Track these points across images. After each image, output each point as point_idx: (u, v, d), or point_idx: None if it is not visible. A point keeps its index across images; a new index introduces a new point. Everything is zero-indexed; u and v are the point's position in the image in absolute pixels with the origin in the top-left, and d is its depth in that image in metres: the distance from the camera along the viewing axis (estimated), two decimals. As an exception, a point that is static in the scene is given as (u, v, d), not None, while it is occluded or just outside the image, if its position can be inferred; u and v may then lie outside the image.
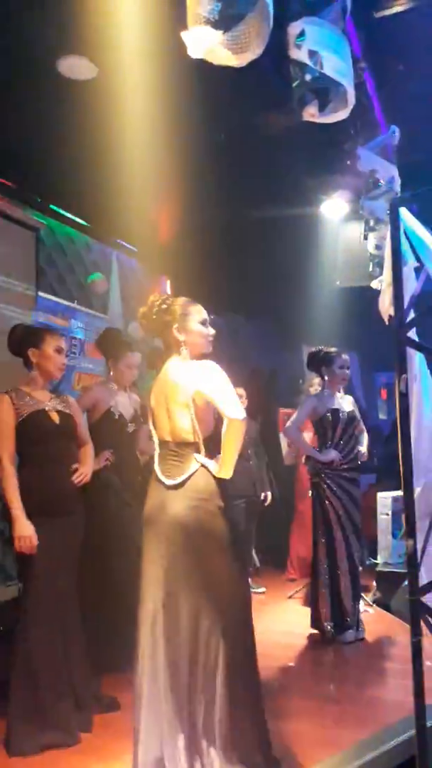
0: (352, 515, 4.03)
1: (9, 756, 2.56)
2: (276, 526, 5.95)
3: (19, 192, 4.31)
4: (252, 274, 5.74)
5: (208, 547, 2.25)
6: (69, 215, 4.81)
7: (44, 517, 2.71)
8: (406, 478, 1.72)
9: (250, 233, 5.17)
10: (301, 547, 5.57)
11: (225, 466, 2.31)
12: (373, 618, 4.44)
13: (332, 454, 4.00)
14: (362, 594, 4.44)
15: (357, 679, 3.55)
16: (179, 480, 2.30)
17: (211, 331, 2.46)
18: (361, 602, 4.35)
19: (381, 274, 3.25)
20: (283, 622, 4.53)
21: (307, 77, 2.59)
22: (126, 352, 3.69)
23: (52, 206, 4.66)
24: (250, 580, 5.27)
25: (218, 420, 2.37)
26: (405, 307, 1.77)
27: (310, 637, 4.11)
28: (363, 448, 4.16)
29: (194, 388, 2.32)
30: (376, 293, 2.48)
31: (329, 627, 3.98)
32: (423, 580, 1.87)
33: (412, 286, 1.84)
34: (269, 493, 5.31)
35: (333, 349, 4.11)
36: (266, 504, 5.31)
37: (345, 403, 4.11)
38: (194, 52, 2.14)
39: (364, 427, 4.21)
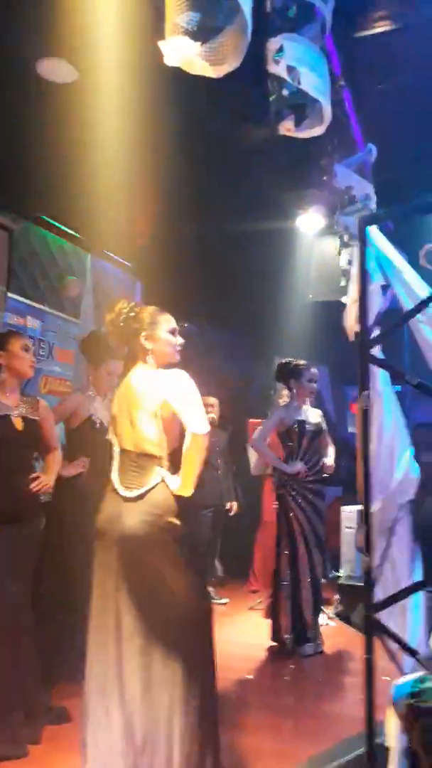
0: (316, 528, 4.04)
1: None
2: (241, 537, 5.94)
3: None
4: (227, 285, 5.75)
5: (162, 564, 2.21)
6: (44, 218, 4.77)
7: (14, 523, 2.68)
8: (364, 495, 1.73)
9: (226, 244, 5.19)
10: (265, 558, 5.56)
11: (185, 484, 2.26)
12: (334, 631, 4.45)
13: (297, 466, 4.01)
14: (324, 607, 4.45)
15: (315, 693, 3.55)
16: (138, 493, 2.24)
17: (180, 340, 2.43)
18: (323, 615, 4.37)
19: (353, 289, 3.29)
20: (243, 633, 4.51)
21: (285, 92, 2.61)
22: (108, 358, 3.65)
23: (26, 208, 4.61)
24: (213, 591, 5.27)
25: (183, 433, 2.33)
26: (369, 324, 1.78)
27: (270, 649, 4.09)
28: (329, 461, 4.17)
29: (161, 397, 2.28)
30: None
31: (289, 639, 3.98)
32: (378, 597, 1.88)
33: (377, 303, 1.85)
34: (235, 504, 5.31)
35: (302, 362, 4.13)
36: (231, 514, 5.30)
37: (312, 415, 4.13)
38: (171, 60, 2.14)
39: (329, 440, 4.23)
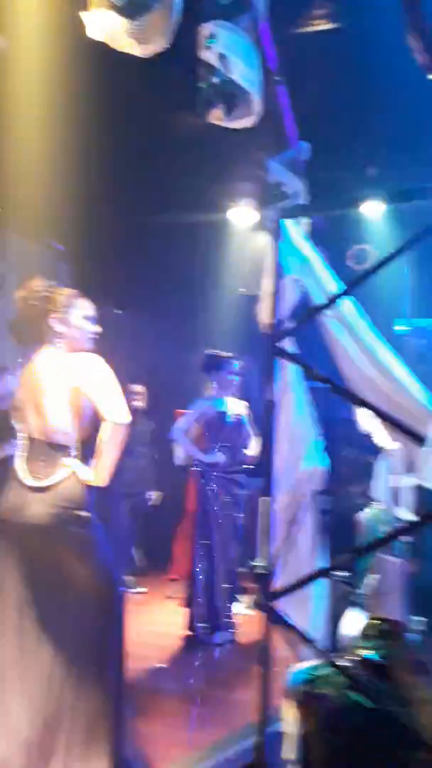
0: (233, 518, 4.08)
1: None
2: (164, 526, 5.93)
3: None
4: (161, 275, 5.70)
5: (71, 558, 2.15)
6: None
7: None
8: (266, 484, 1.75)
9: (160, 233, 5.14)
10: (185, 547, 5.57)
11: (101, 474, 2.20)
12: (249, 620, 4.51)
13: (217, 457, 4.03)
14: (241, 596, 4.50)
15: (225, 681, 3.59)
16: (46, 483, 2.16)
17: (96, 328, 2.35)
18: (239, 604, 4.42)
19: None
20: (159, 622, 4.50)
21: (215, 80, 2.59)
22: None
23: None
24: (131, 580, 5.24)
25: (97, 421, 2.26)
26: (281, 317, 1.80)
27: (185, 638, 4.11)
28: (250, 452, 4.21)
29: (73, 384, 2.19)
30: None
31: (203, 628, 4.00)
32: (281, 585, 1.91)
33: (290, 297, 1.87)
34: (156, 493, 5.29)
35: (226, 354, 4.15)
36: (152, 504, 5.28)
37: (234, 407, 4.16)
38: (94, 33, 2.08)
39: (251, 432, 4.26)
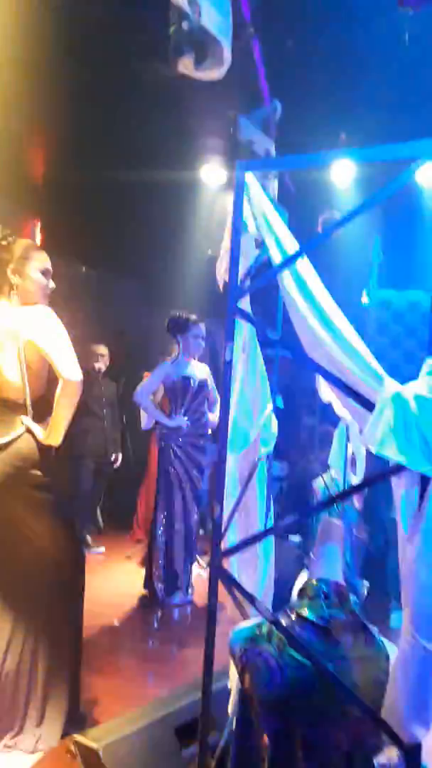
0: (194, 481, 4.09)
1: None
2: (126, 488, 5.94)
3: None
4: (129, 234, 5.57)
5: (24, 516, 2.14)
6: None
7: None
8: (219, 444, 1.73)
9: (128, 190, 5.01)
10: (148, 508, 5.60)
11: (54, 432, 2.15)
12: (206, 582, 4.57)
13: (180, 420, 4.02)
14: (199, 557, 4.55)
15: (179, 640, 3.64)
16: (1, 442, 2.12)
17: (51, 284, 2.27)
18: (197, 566, 4.47)
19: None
20: (117, 582, 4.54)
21: (185, 25, 2.48)
22: None
23: None
24: (90, 539, 5.25)
25: (52, 378, 2.21)
26: (239, 276, 1.76)
27: (142, 598, 4.15)
28: (213, 417, 4.20)
29: (26, 337, 2.12)
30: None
31: (160, 588, 4.04)
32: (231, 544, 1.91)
33: (248, 255, 1.83)
34: (119, 455, 5.28)
35: (192, 317, 4.10)
36: (115, 465, 5.27)
37: (198, 371, 4.13)
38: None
39: (216, 397, 4.24)
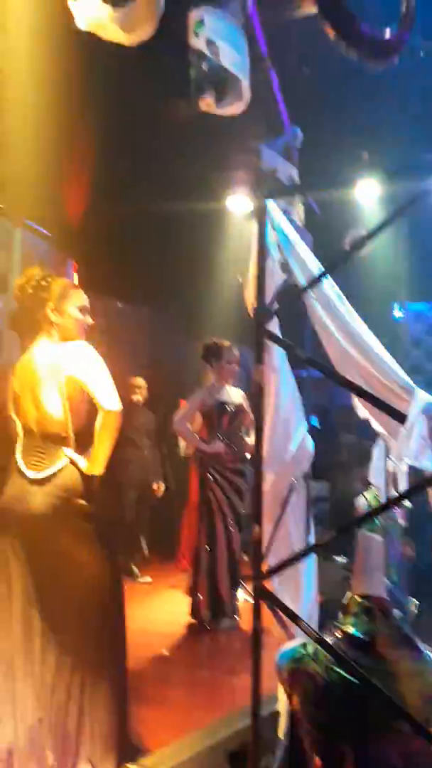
0: (235, 506, 4.10)
1: None
2: (169, 517, 5.97)
3: None
4: (161, 265, 5.71)
5: (69, 546, 2.17)
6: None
7: None
8: (256, 466, 1.76)
9: (159, 223, 5.15)
10: (191, 537, 5.61)
11: (96, 463, 2.20)
12: (252, 607, 4.54)
13: (218, 446, 4.05)
14: (244, 583, 4.53)
15: (226, 667, 3.62)
16: (44, 474, 2.17)
17: (89, 320, 2.35)
18: (242, 591, 4.45)
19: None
20: (164, 611, 4.54)
21: (205, 67, 2.59)
22: None
23: None
24: (137, 570, 5.28)
25: (92, 410, 2.26)
26: (266, 299, 1.81)
27: (189, 625, 4.15)
28: (251, 440, 4.21)
29: (66, 373, 2.19)
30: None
31: (206, 615, 4.03)
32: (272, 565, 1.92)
33: (275, 279, 1.88)
34: (161, 484, 5.33)
35: (225, 343, 4.16)
36: (158, 494, 5.31)
37: (234, 395, 4.17)
38: (81, 23, 2.09)
39: (251, 421, 4.26)
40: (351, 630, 1.60)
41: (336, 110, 3.84)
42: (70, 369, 2.19)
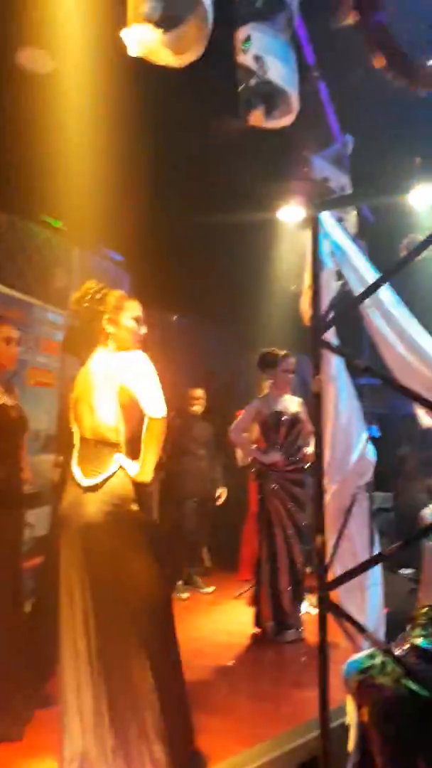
0: (295, 517, 4.07)
1: None
2: (230, 527, 5.99)
3: (-22, 185, 4.28)
4: (214, 278, 5.77)
5: (123, 553, 2.19)
6: (31, 211, 4.80)
7: (2, 509, 2.75)
8: (316, 476, 1.76)
9: (210, 236, 5.21)
10: (252, 548, 5.61)
11: (144, 469, 2.22)
12: (316, 618, 4.49)
13: (275, 456, 4.04)
14: (308, 594, 4.49)
15: (292, 679, 3.59)
16: (96, 481, 2.21)
17: (143, 329, 2.40)
18: (306, 603, 4.40)
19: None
20: (227, 621, 4.55)
21: (252, 82, 2.63)
22: None
23: (13, 201, 4.64)
24: (199, 580, 5.32)
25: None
26: (322, 309, 1.81)
27: (253, 636, 4.14)
28: (310, 450, 4.18)
29: (119, 381, 2.24)
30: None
31: (270, 626, 4.02)
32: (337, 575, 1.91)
33: (330, 289, 1.88)
34: (224, 490, 5.32)
35: (281, 352, 4.16)
36: (218, 503, 5.32)
37: (291, 404, 4.15)
38: (133, 50, 2.16)
39: (310, 429, 4.23)
40: (419, 642, 1.57)
41: (387, 115, 3.80)
42: (122, 377, 2.24)
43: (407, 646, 1.59)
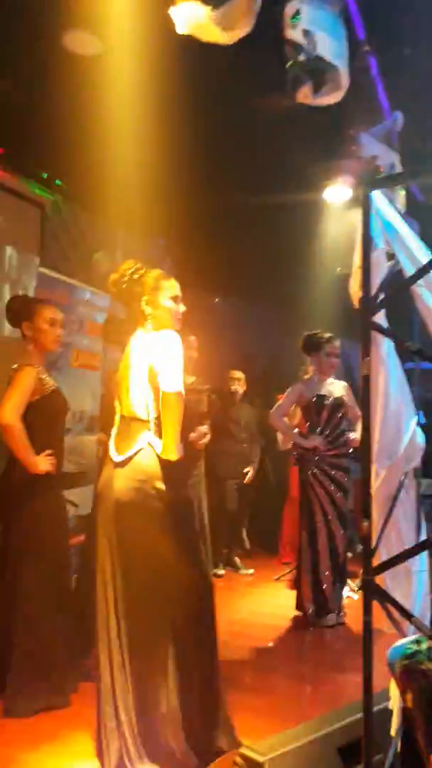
0: (336, 501, 4.04)
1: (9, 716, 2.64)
2: (271, 510, 6.01)
3: (25, 168, 4.33)
4: (256, 260, 5.72)
5: (150, 530, 2.18)
6: (75, 192, 4.83)
7: (52, 490, 2.84)
8: (364, 461, 1.74)
9: (253, 217, 5.16)
10: (292, 531, 5.61)
11: (167, 445, 2.18)
12: (357, 604, 4.47)
13: (316, 441, 4.00)
14: (349, 579, 4.47)
15: (332, 663, 3.60)
16: (124, 457, 2.22)
17: (181, 308, 2.37)
18: (347, 587, 4.39)
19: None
20: (268, 603, 4.58)
21: (301, 58, 2.57)
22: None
23: (58, 182, 4.68)
24: (239, 561, 5.35)
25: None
26: (372, 290, 1.78)
27: (294, 619, 4.15)
28: (354, 435, 4.13)
29: (148, 360, 2.24)
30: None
31: (311, 610, 4.02)
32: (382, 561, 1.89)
33: (381, 269, 1.84)
34: (252, 469, 5.29)
35: (326, 335, 4.10)
36: (246, 480, 5.27)
37: (335, 388, 4.10)
38: (181, 28, 2.14)
39: (359, 413, 4.15)
40: (469, 629, 1.54)
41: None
42: (150, 356, 2.24)
43: (455, 633, 1.56)
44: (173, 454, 2.19)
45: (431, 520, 2.41)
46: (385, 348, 1.93)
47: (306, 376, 4.26)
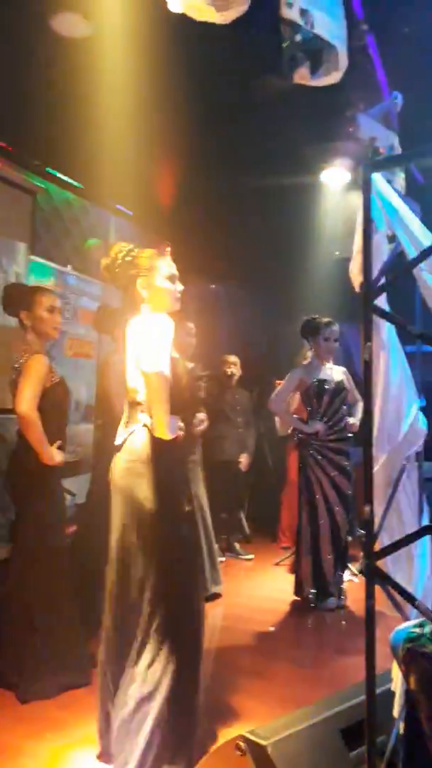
0: (338, 486, 4.04)
1: (27, 701, 2.66)
2: (269, 495, 6.02)
3: (16, 155, 4.27)
4: (252, 243, 5.68)
5: (140, 511, 2.16)
6: (66, 179, 4.77)
7: (57, 479, 2.89)
8: (365, 445, 1.73)
9: (250, 201, 5.11)
10: (291, 516, 5.63)
11: (156, 425, 2.13)
12: (358, 587, 4.50)
13: (317, 426, 3.99)
14: (350, 563, 4.49)
15: (333, 646, 3.63)
16: (120, 440, 2.23)
17: (179, 287, 2.29)
18: (348, 572, 4.41)
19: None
20: (267, 587, 4.61)
21: (298, 38, 2.52)
22: None
23: (49, 170, 4.62)
24: (238, 546, 5.37)
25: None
26: (374, 274, 1.76)
27: (293, 603, 4.18)
28: (354, 420, 4.13)
29: (138, 342, 2.22)
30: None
31: (311, 594, 4.04)
32: (384, 545, 1.89)
33: (382, 253, 1.82)
34: (246, 456, 5.27)
35: (325, 320, 4.07)
36: (240, 467, 5.25)
37: (334, 373, 4.09)
38: (174, 7, 2.09)
39: (357, 397, 4.15)
40: (472, 612, 1.55)
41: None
42: (139, 338, 2.20)
43: (459, 616, 1.57)
44: (165, 434, 2.14)
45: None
46: (386, 332, 1.92)
47: (305, 362, 4.24)
